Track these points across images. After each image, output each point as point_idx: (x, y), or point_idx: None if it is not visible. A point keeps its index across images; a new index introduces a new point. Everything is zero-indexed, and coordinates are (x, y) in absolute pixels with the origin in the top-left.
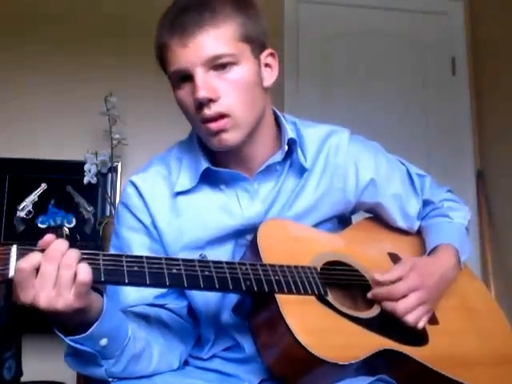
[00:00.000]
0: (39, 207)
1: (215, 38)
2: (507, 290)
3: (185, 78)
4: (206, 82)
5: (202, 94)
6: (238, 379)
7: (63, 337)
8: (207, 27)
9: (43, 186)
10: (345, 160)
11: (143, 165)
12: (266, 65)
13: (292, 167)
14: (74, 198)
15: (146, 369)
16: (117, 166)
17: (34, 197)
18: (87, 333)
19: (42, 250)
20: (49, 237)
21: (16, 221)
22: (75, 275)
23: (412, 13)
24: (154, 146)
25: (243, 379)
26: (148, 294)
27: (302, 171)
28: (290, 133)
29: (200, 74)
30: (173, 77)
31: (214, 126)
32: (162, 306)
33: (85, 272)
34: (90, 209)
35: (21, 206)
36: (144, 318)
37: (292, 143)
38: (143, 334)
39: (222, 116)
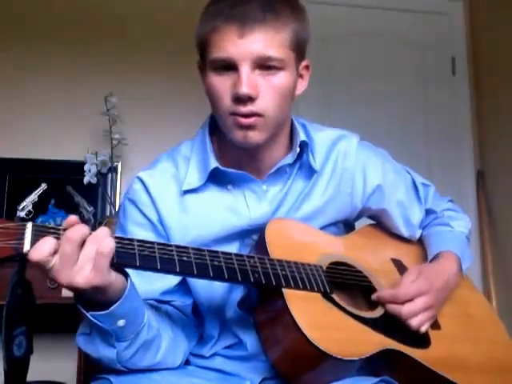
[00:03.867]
0: (39, 207)
1: (272, 40)
2: (507, 289)
3: (227, 67)
4: (250, 79)
5: (245, 90)
6: (239, 378)
7: (84, 311)
8: (268, 27)
9: (43, 185)
10: (353, 165)
11: (143, 165)
12: (300, 75)
13: (301, 169)
14: (73, 198)
15: (151, 359)
16: (117, 165)
17: (34, 197)
18: (107, 311)
19: (56, 230)
20: (72, 217)
21: (16, 221)
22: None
23: (412, 13)
24: (154, 146)
25: (245, 378)
26: (155, 289)
27: (311, 174)
28: (301, 135)
29: (247, 70)
30: (214, 62)
31: (244, 120)
32: (167, 303)
33: (107, 244)
34: (90, 209)
35: (21, 206)
36: (156, 310)
37: (303, 146)
38: (156, 323)
39: (254, 114)
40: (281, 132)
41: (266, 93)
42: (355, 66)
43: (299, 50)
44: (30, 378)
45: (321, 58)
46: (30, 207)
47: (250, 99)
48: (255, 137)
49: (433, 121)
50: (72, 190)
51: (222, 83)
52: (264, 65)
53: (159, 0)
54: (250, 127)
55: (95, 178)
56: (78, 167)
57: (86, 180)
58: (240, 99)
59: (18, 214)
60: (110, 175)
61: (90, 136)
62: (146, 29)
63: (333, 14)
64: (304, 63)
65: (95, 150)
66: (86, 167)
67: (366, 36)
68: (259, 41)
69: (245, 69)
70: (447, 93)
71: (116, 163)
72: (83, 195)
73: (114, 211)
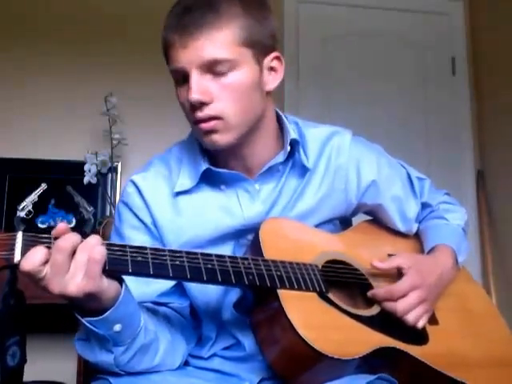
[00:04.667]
0: (39, 207)
1: (214, 42)
2: (507, 288)
3: (183, 77)
4: (200, 85)
5: (195, 97)
6: (238, 378)
7: (80, 317)
8: (208, 30)
9: (43, 185)
10: (347, 161)
11: (143, 165)
12: (271, 68)
13: (294, 168)
14: (73, 197)
15: (149, 363)
16: (117, 165)
17: (34, 197)
18: (102, 316)
19: (47, 239)
20: (62, 226)
21: (16, 221)
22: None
23: (412, 13)
24: (154, 146)
25: (244, 378)
26: (151, 291)
27: (303, 172)
28: (292, 133)
29: (195, 77)
30: (173, 75)
31: (204, 126)
32: (165, 305)
33: (98, 251)
34: (90, 209)
35: (21, 206)
36: (153, 313)
37: (294, 144)
38: (153, 327)
39: (212, 118)
40: (260, 129)
41: (220, 95)
42: (355, 66)
43: (255, 45)
44: (30, 378)
45: (321, 58)
46: (30, 207)
47: (203, 104)
48: (220, 140)
49: (433, 121)
50: (72, 190)
51: (182, 94)
52: (213, 68)
53: (159, 0)
54: (212, 131)
55: (95, 178)
56: (78, 167)
57: (86, 180)
58: (194, 106)
59: (17, 214)
60: (109, 175)
61: (90, 136)
62: (145, 29)
63: (333, 14)
64: (272, 55)
65: (95, 150)
66: (86, 167)
67: (365, 36)
68: (201, 46)
69: (194, 76)
70: (447, 93)
71: (116, 163)
72: (83, 195)
73: (113, 211)
